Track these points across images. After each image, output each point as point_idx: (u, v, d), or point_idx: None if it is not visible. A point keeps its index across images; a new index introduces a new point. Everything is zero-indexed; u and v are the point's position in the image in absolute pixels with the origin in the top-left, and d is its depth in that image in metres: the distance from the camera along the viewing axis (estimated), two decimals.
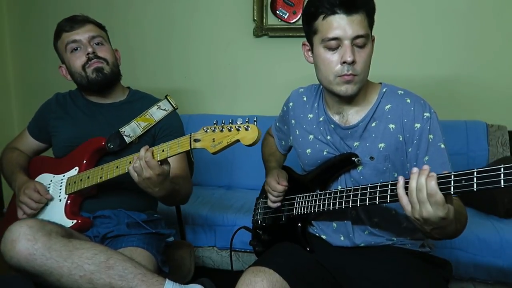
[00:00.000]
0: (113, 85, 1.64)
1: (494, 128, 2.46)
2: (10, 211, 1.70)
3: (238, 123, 1.18)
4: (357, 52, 1.19)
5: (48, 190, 1.55)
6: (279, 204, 1.46)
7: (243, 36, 2.86)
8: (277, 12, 2.75)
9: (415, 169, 0.99)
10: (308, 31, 1.26)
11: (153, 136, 1.62)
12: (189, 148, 1.25)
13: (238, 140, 1.17)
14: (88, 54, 1.54)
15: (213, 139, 1.20)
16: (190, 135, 1.25)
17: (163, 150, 1.30)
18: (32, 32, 3.19)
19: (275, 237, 1.49)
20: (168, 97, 1.61)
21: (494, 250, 1.88)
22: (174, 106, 1.60)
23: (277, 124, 1.60)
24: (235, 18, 2.86)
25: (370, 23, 1.21)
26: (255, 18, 2.79)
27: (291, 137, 1.50)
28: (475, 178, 0.92)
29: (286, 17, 2.75)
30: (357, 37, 1.17)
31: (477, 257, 1.89)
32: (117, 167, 1.42)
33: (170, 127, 1.62)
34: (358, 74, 1.20)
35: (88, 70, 1.55)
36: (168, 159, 1.33)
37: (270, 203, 1.47)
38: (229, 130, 1.18)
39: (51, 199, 1.54)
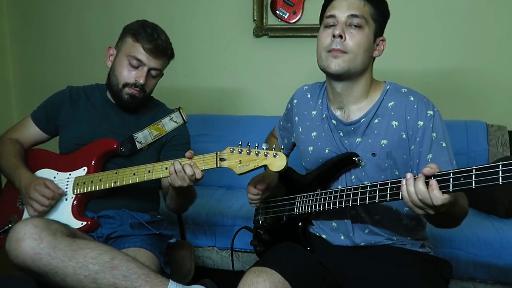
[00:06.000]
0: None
1: (494, 128, 2.46)
2: (1, 206, 1.67)
3: (264, 148, 1.22)
4: (351, 31, 1.24)
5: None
6: (258, 205, 1.49)
7: (243, 36, 2.86)
8: (277, 12, 2.75)
9: (409, 175, 1.02)
10: (320, 18, 1.35)
11: (163, 144, 1.64)
12: (215, 166, 1.30)
13: (265, 165, 1.21)
14: (136, 81, 1.53)
15: (240, 160, 1.24)
16: (216, 154, 1.29)
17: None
18: (32, 32, 3.19)
19: (276, 237, 1.49)
20: (180, 110, 1.65)
21: (494, 250, 1.88)
22: (185, 119, 1.65)
23: (281, 123, 1.61)
24: (235, 18, 2.86)
25: (373, 12, 1.26)
26: (255, 18, 2.79)
27: (294, 134, 1.51)
28: (473, 176, 0.92)
29: (286, 17, 2.75)
30: (351, 16, 1.23)
31: (477, 257, 1.90)
32: (134, 174, 1.42)
33: (179, 139, 1.65)
34: (347, 51, 1.23)
35: (125, 90, 1.55)
36: None
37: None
38: (257, 155, 1.22)
39: (64, 194, 1.51)
